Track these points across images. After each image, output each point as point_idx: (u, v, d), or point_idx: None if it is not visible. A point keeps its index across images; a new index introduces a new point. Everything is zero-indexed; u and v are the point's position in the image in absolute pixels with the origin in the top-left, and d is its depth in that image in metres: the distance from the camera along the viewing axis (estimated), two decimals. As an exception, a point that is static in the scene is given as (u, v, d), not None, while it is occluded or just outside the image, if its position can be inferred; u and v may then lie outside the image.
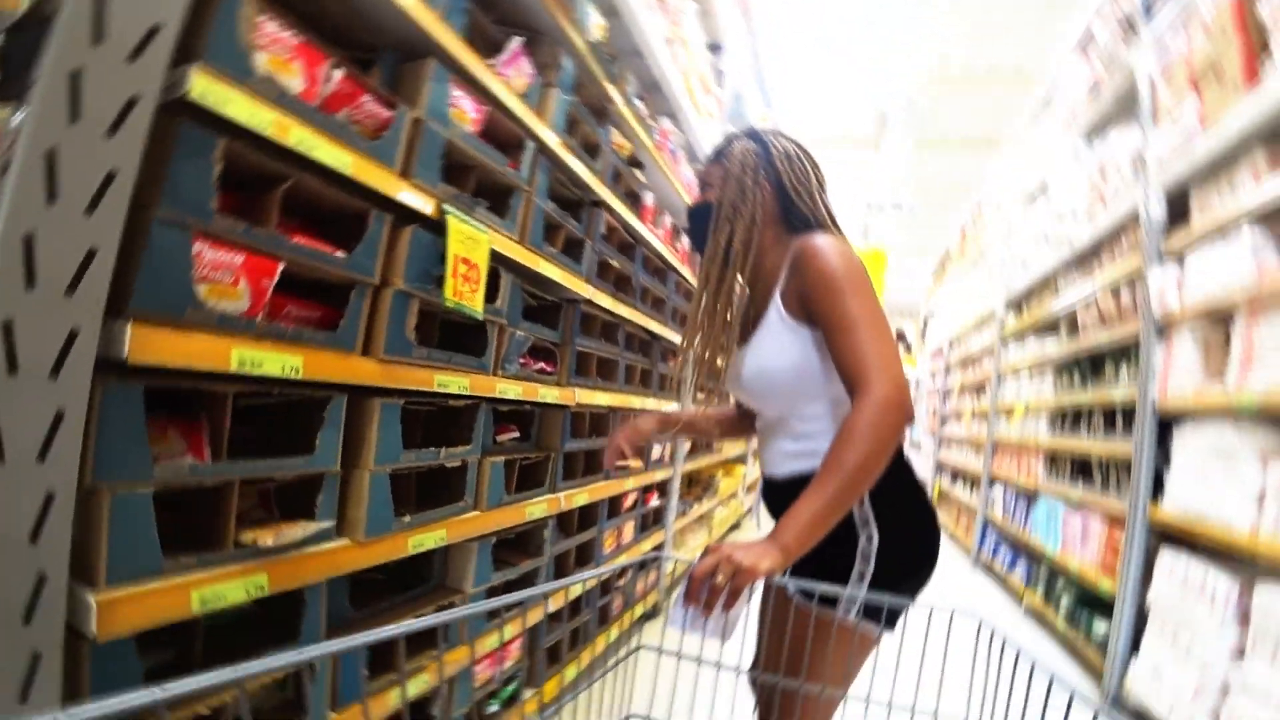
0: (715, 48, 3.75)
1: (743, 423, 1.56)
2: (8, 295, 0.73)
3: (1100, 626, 3.05)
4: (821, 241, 1.13)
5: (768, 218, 1.25)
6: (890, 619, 1.08)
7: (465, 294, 1.41)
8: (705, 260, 1.26)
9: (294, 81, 1.09)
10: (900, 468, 1.15)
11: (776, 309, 1.18)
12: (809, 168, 1.27)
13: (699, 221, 1.29)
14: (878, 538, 1.10)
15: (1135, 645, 2.69)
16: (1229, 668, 2.06)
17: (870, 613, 1.07)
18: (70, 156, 0.77)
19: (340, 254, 1.19)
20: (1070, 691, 0.63)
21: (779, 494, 1.22)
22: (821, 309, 1.10)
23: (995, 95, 7.84)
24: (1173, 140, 2.66)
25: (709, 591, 0.87)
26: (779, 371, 1.17)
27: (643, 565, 1.00)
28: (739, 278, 1.26)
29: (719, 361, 1.26)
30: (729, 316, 1.25)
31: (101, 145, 0.80)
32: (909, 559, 1.13)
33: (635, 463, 2.78)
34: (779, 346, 1.17)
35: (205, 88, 0.91)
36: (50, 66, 0.76)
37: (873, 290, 1.09)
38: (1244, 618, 2.07)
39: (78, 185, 0.78)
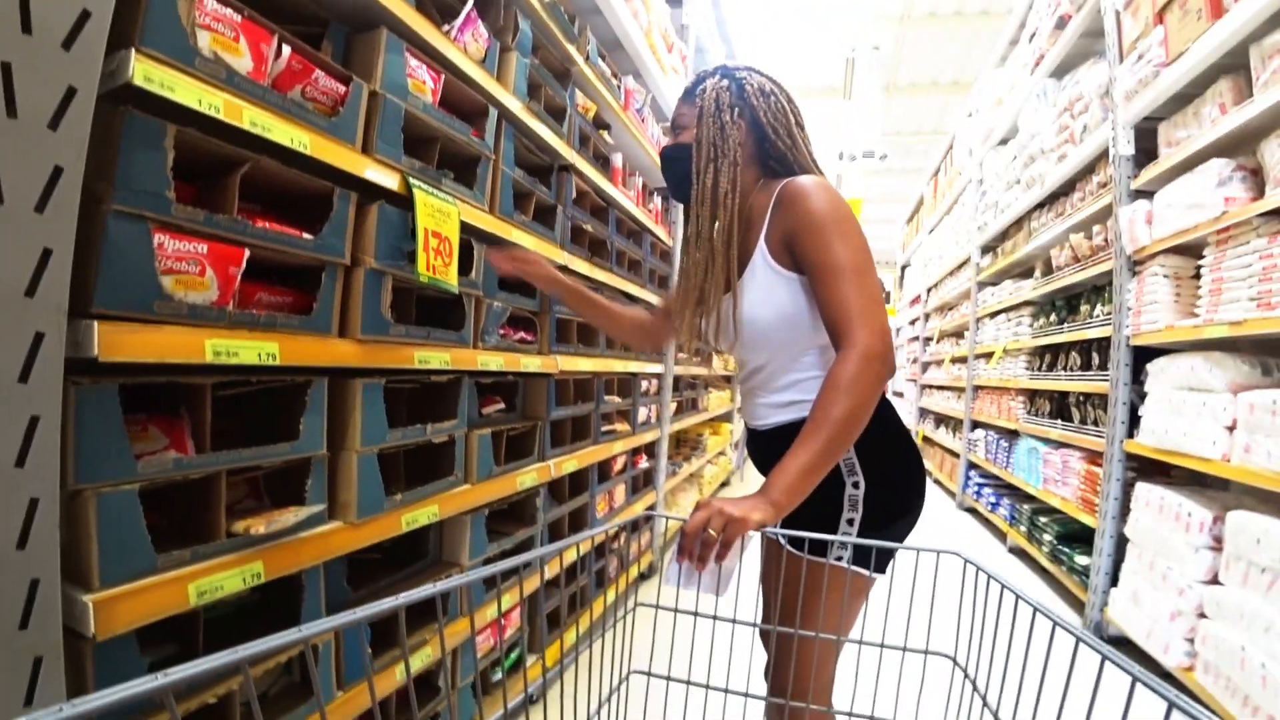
0: (675, 1, 3.66)
1: (650, 331, 1.53)
2: (-36, 301, 0.71)
3: (1082, 560, 3.16)
4: (808, 182, 1.10)
5: (746, 157, 1.20)
6: (881, 562, 1.10)
7: (439, 268, 1.39)
8: (695, 205, 1.19)
9: (241, 61, 1.05)
10: (883, 413, 1.15)
11: (762, 255, 1.14)
12: (785, 103, 1.21)
13: (676, 166, 1.23)
14: (864, 484, 1.11)
15: (1115, 576, 2.79)
16: (1204, 591, 2.15)
17: (861, 558, 1.09)
18: (11, 155, 0.75)
19: (307, 236, 1.16)
20: (1053, 622, 0.65)
21: (767, 445, 1.21)
22: (807, 252, 1.07)
23: (963, 37, 7.78)
24: (1140, 74, 2.66)
25: (702, 545, 0.89)
26: (767, 320, 1.14)
27: (635, 526, 1.01)
28: (735, 221, 1.16)
29: (717, 313, 1.19)
30: (730, 261, 1.16)
31: (44, 140, 0.77)
32: (896, 502, 1.15)
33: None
34: (767, 295, 1.14)
35: (148, 72, 0.88)
36: (-21, 61, 0.72)
37: (860, 234, 1.07)
38: (1217, 542, 2.15)
39: (23, 184, 0.76)
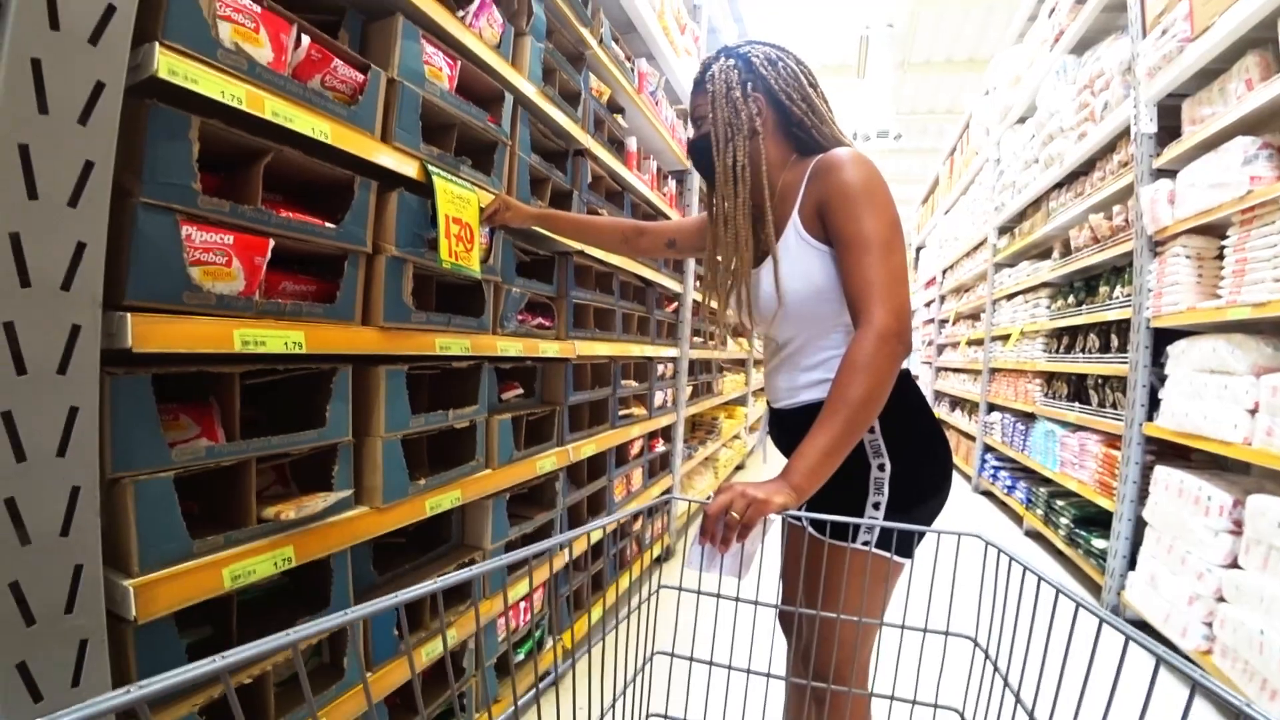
0: (689, -19, 3.62)
1: (629, 239, 1.63)
2: (4, 297, 0.73)
3: (1099, 543, 3.15)
4: (844, 154, 1.09)
5: (769, 130, 1.19)
6: (907, 547, 1.09)
7: (460, 254, 1.41)
8: (718, 186, 1.20)
9: (262, 51, 1.06)
10: (907, 393, 1.14)
11: (795, 228, 1.13)
12: (794, 66, 1.20)
13: (702, 157, 1.24)
14: (890, 465, 1.10)
15: (1133, 560, 2.78)
16: (1223, 575, 2.14)
17: (885, 542, 1.08)
18: (44, 150, 0.76)
19: (330, 225, 1.17)
20: (1075, 603, 0.66)
21: (790, 425, 1.20)
22: (836, 223, 1.06)
23: (978, 13, 7.62)
24: (1163, 49, 2.60)
25: (724, 527, 0.90)
26: (798, 293, 1.13)
27: (653, 510, 1.02)
28: (766, 196, 1.17)
29: (740, 292, 1.21)
30: (748, 235, 1.18)
31: (75, 135, 0.79)
32: (923, 485, 1.14)
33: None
34: (799, 267, 1.13)
35: (172, 65, 0.89)
36: (9, 57, 0.73)
37: (891, 209, 1.06)
38: (1237, 526, 2.14)
39: (56, 179, 0.77)
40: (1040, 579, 0.73)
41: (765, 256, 1.18)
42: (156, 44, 0.87)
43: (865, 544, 1.08)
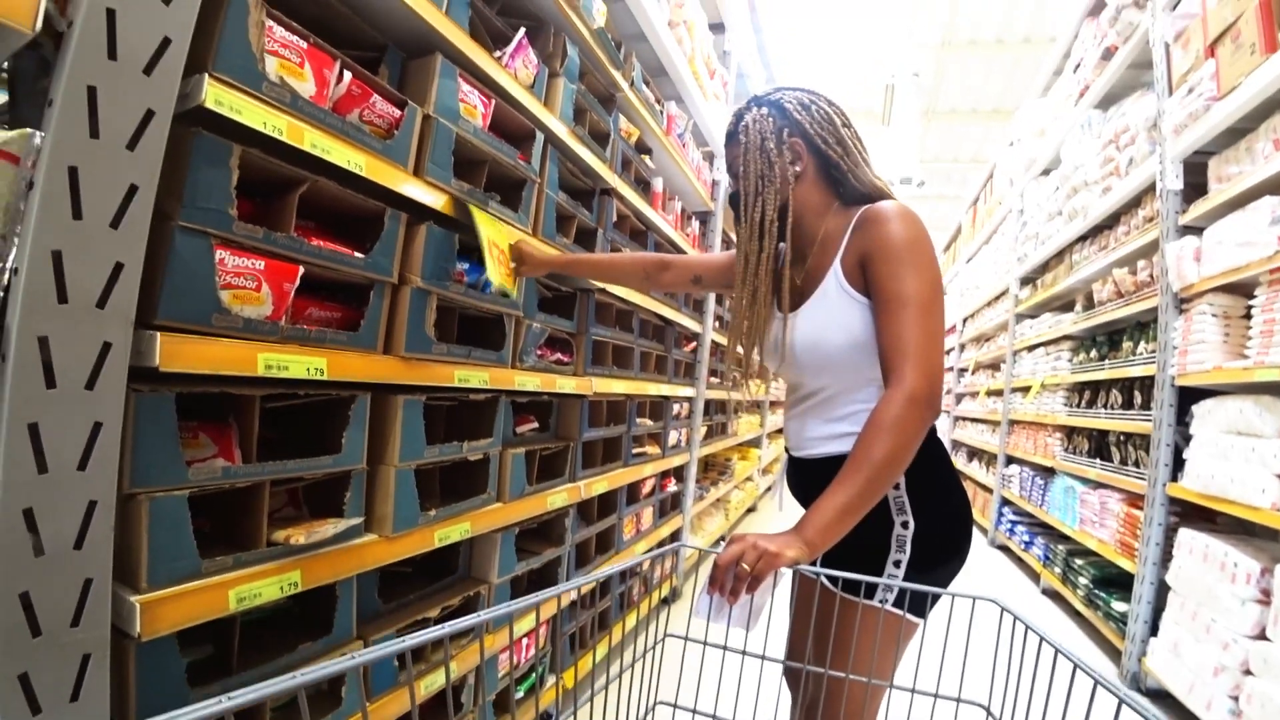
0: (718, 28, 3.71)
1: (650, 275, 1.60)
2: (41, 311, 0.75)
3: (1119, 606, 3.05)
4: (890, 207, 1.07)
5: (808, 176, 1.17)
6: (922, 605, 1.06)
7: (503, 276, 1.45)
8: (743, 241, 1.19)
9: (305, 85, 1.10)
10: (934, 452, 1.12)
11: (836, 277, 1.11)
12: (825, 108, 1.18)
13: (740, 209, 1.23)
14: (914, 524, 1.07)
15: (1155, 625, 2.69)
16: (1250, 647, 2.06)
17: (902, 601, 1.05)
18: (92, 173, 0.79)
19: (358, 255, 1.20)
20: (1094, 679, 0.63)
21: (810, 475, 1.18)
22: (876, 278, 1.05)
23: (1004, 65, 7.72)
24: (1189, 108, 2.61)
25: (733, 579, 0.89)
26: (834, 344, 1.11)
27: (660, 556, 1.00)
28: (779, 246, 1.18)
29: (758, 340, 1.21)
30: (767, 290, 1.18)
31: (122, 160, 0.82)
32: (945, 544, 1.11)
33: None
34: (836, 317, 1.11)
35: (219, 96, 0.93)
36: (67, 84, 0.77)
37: (934, 269, 1.04)
38: (1265, 595, 2.06)
39: (101, 201, 0.80)
40: (1057, 650, 0.71)
41: (803, 302, 1.17)
42: (206, 75, 0.91)
43: (882, 602, 1.05)
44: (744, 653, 0.95)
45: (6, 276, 0.75)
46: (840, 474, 0.96)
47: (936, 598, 1.01)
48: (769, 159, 1.16)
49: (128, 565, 0.89)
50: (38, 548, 0.76)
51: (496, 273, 1.40)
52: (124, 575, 0.88)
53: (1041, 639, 0.74)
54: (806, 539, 0.91)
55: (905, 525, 1.08)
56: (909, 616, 1.05)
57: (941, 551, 1.10)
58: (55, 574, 0.77)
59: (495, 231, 1.45)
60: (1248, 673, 2.07)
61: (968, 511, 1.16)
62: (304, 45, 1.10)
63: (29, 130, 0.79)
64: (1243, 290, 2.42)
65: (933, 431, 1.10)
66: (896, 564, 1.07)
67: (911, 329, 1.00)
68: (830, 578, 1.06)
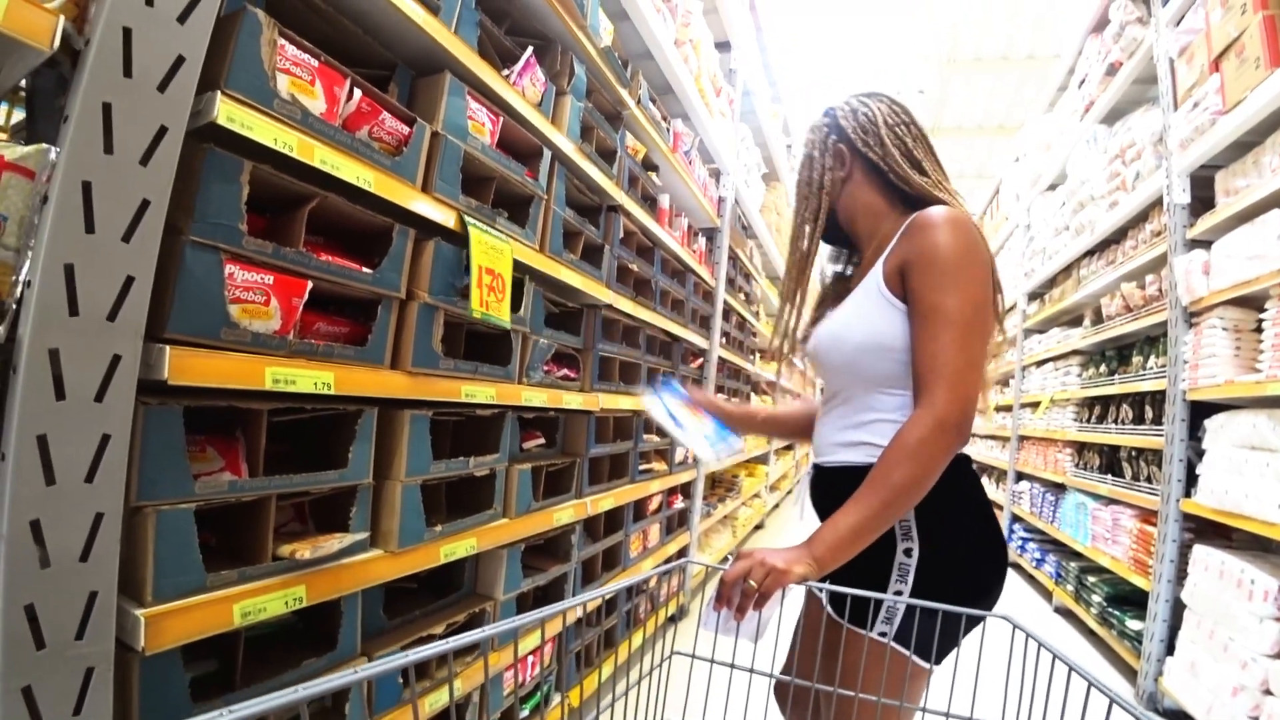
0: (724, 46, 3.75)
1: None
2: (53, 324, 0.76)
3: (1133, 624, 3.00)
4: (940, 214, 1.00)
5: (859, 179, 1.16)
6: (928, 645, 0.95)
7: (491, 304, 1.43)
8: (791, 241, 1.21)
9: (316, 103, 1.11)
10: (957, 472, 1.01)
11: (875, 278, 1.07)
12: (874, 110, 1.15)
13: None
14: (918, 552, 0.98)
15: (1171, 644, 2.64)
16: (1269, 665, 2.02)
17: (905, 638, 0.95)
18: (105, 187, 0.80)
19: (366, 270, 1.21)
20: (1110, 698, 0.62)
21: (824, 484, 1.13)
22: (916, 287, 0.99)
23: (1009, 80, 7.76)
24: (1195, 122, 2.61)
25: (740, 595, 0.88)
26: (854, 341, 1.07)
27: (667, 573, 0.99)
28: (815, 246, 1.19)
29: (792, 336, 1.21)
30: (803, 287, 1.19)
31: (135, 175, 0.83)
32: (957, 580, 0.99)
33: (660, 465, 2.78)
34: (860, 314, 1.08)
35: (231, 113, 0.94)
36: (83, 101, 0.78)
37: (983, 288, 0.98)
38: (1284, 611, 2.03)
39: (114, 215, 0.81)
40: (1071, 668, 0.69)
41: (843, 299, 1.15)
42: (219, 93, 0.92)
43: (882, 635, 0.96)
44: (751, 670, 0.94)
45: (20, 289, 0.76)
46: (857, 493, 0.93)
47: (950, 644, 0.93)
48: (812, 165, 1.18)
49: (133, 578, 0.88)
50: (44, 560, 0.76)
51: (479, 299, 1.37)
52: (129, 588, 0.88)
53: (1055, 656, 0.73)
54: (816, 555, 0.90)
55: (909, 553, 0.99)
56: (914, 659, 0.95)
57: (950, 585, 0.98)
58: (60, 586, 0.77)
59: (492, 258, 1.43)
60: (1267, 692, 2.03)
61: (993, 548, 1.04)
62: (315, 63, 1.11)
63: (45, 145, 0.80)
64: (1253, 304, 2.41)
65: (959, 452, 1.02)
66: (898, 594, 0.98)
67: (950, 349, 0.94)
68: (832, 602, 1.02)
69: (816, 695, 0.94)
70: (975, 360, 0.96)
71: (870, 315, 1.06)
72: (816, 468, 1.18)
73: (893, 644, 0.97)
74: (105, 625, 0.82)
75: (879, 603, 0.97)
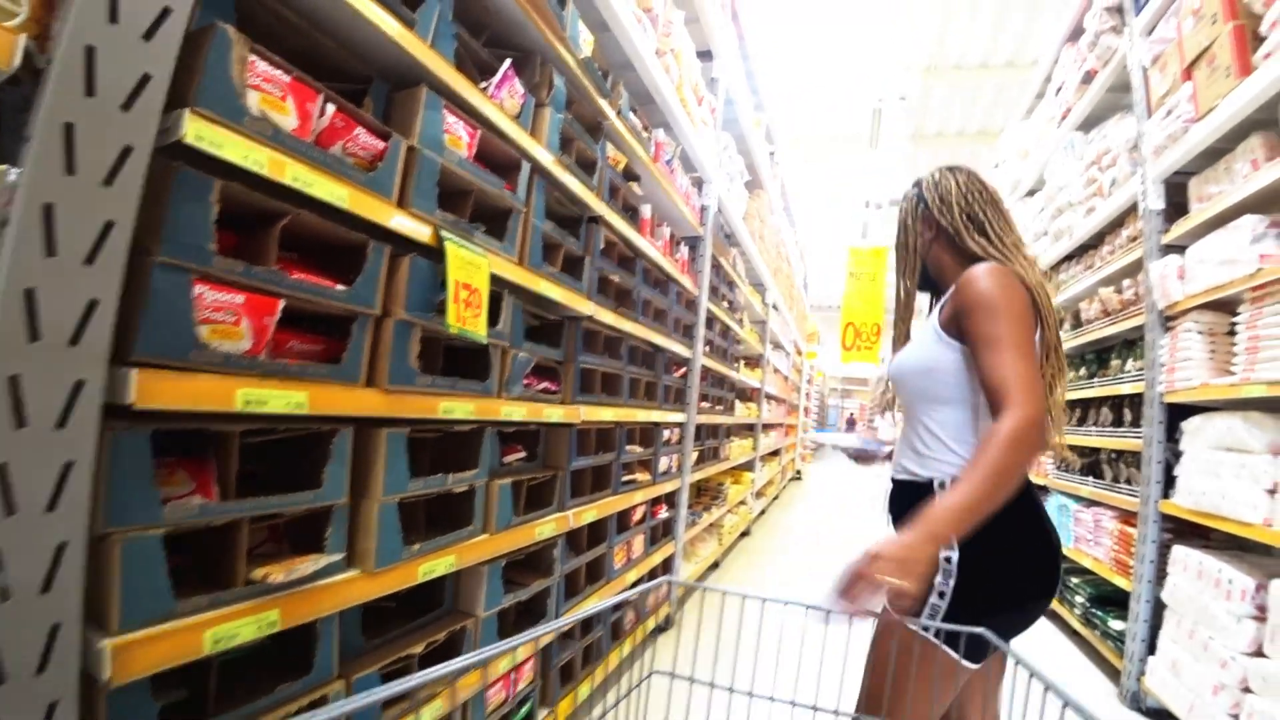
0: (706, 55, 3.76)
1: None
2: (12, 350, 0.74)
3: (1116, 624, 3.03)
4: (979, 270, 1.20)
5: (939, 241, 1.39)
6: (974, 646, 1.01)
7: (468, 319, 1.42)
8: (896, 295, 1.48)
9: (287, 119, 1.10)
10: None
11: (934, 319, 1.31)
12: (950, 183, 1.38)
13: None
14: (956, 556, 1.05)
15: (1153, 643, 2.67)
16: (1248, 664, 2.04)
17: (948, 636, 1.02)
18: (67, 209, 0.78)
19: (340, 287, 1.19)
20: (1082, 716, 0.62)
21: (896, 496, 1.31)
22: (969, 327, 1.18)
23: (989, 87, 7.85)
24: (1168, 129, 2.65)
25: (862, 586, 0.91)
26: (908, 367, 1.31)
27: (649, 591, 0.99)
28: (911, 296, 1.46)
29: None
30: (905, 325, 1.47)
31: (98, 196, 0.81)
32: (1000, 587, 1.07)
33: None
34: (919, 346, 1.32)
35: (200, 131, 0.92)
36: (44, 121, 0.77)
37: (1025, 322, 1.14)
38: (1261, 612, 2.05)
39: (76, 237, 0.79)
40: (1048, 686, 0.69)
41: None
42: (187, 110, 0.91)
43: (925, 628, 1.03)
44: (731, 690, 0.93)
45: (-24, 316, 0.74)
46: (960, 476, 1.00)
47: (983, 642, 0.98)
48: (905, 229, 1.44)
49: (99, 606, 0.86)
50: (3, 592, 0.74)
51: (455, 314, 1.37)
52: (95, 616, 0.86)
53: (1032, 674, 0.73)
54: (933, 532, 0.93)
55: (948, 559, 1.05)
56: (942, 648, 1.03)
57: (994, 595, 1.06)
58: (21, 619, 0.75)
59: (469, 272, 1.42)
60: (1247, 690, 2.05)
61: (1042, 561, 1.12)
62: (286, 79, 1.10)
63: (4, 166, 0.79)
64: (1226, 307, 2.45)
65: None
66: (941, 595, 1.06)
67: (1015, 365, 1.07)
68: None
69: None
70: (1035, 371, 1.09)
71: (925, 345, 1.30)
72: (893, 481, 1.35)
73: (930, 638, 1.05)
74: (69, 658, 0.80)
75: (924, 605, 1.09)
